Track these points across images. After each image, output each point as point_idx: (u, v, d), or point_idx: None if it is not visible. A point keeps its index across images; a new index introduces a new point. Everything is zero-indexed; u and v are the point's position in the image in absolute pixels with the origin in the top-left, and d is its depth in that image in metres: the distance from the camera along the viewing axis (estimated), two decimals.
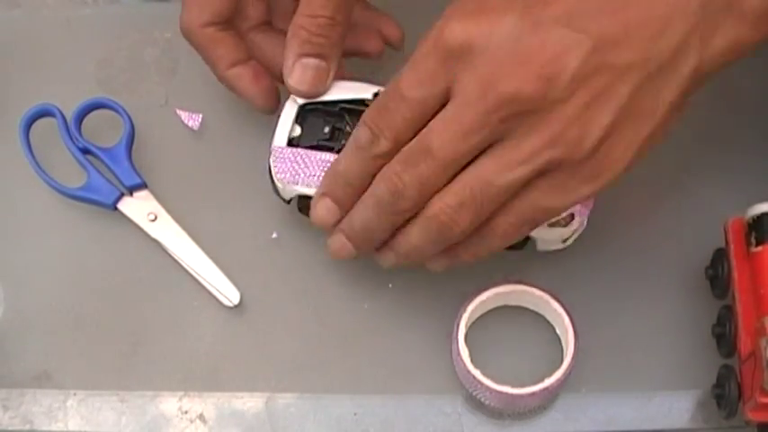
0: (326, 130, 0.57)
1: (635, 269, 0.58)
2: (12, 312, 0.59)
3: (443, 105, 0.46)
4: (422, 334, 0.57)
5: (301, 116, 0.57)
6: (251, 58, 0.58)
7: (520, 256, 0.57)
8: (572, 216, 0.54)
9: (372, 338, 0.57)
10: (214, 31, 0.56)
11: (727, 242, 0.54)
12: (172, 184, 0.61)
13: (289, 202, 0.57)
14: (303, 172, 0.55)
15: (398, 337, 0.57)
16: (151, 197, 0.61)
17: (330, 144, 0.56)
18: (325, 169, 0.54)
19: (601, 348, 0.56)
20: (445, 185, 0.47)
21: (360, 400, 0.56)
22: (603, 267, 0.58)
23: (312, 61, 0.54)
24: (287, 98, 0.57)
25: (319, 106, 0.57)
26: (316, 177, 0.55)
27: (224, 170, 0.62)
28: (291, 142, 0.57)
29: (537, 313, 0.57)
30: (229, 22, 0.57)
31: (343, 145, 0.56)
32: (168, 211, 0.60)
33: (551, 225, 0.54)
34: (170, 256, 0.59)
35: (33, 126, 0.61)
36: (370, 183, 0.50)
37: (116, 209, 0.60)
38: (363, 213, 0.50)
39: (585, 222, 0.56)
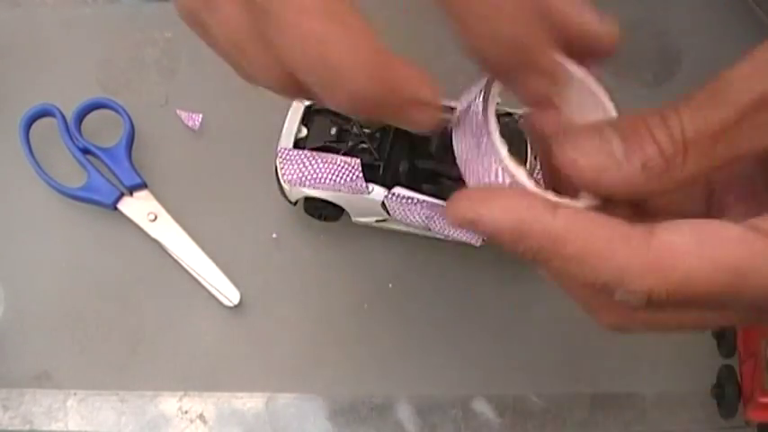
0: (333, 131, 0.57)
1: None
2: (12, 312, 0.59)
3: None
4: (422, 334, 0.57)
5: (308, 117, 0.57)
6: None
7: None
8: None
9: (372, 338, 0.57)
10: None
11: None
12: (172, 184, 0.61)
13: (295, 203, 0.57)
14: (310, 174, 0.55)
15: (398, 337, 0.57)
16: (151, 197, 0.61)
17: (337, 145, 0.56)
18: (332, 171, 0.54)
19: (601, 348, 0.56)
20: None
21: (360, 399, 0.56)
22: None
23: None
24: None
25: (326, 107, 0.57)
26: (323, 179, 0.55)
27: (224, 170, 0.62)
28: (298, 144, 0.57)
29: None
30: None
31: (350, 146, 0.56)
32: (168, 211, 0.60)
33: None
34: (170, 256, 0.59)
35: (33, 126, 0.61)
36: None
37: (116, 209, 0.60)
38: None
39: None
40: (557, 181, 0.36)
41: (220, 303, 0.58)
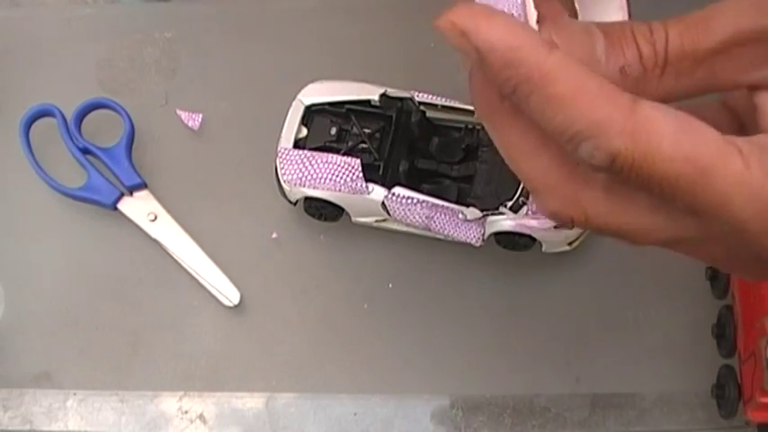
0: (333, 131, 0.57)
1: (635, 269, 0.58)
2: (12, 312, 0.59)
3: None
4: (422, 334, 0.57)
5: (308, 117, 0.57)
6: None
7: (524, 258, 0.57)
8: None
9: (372, 338, 0.57)
10: None
11: None
12: (172, 184, 0.61)
13: (295, 203, 0.57)
14: (310, 174, 0.55)
15: (398, 337, 0.57)
16: (151, 197, 0.61)
17: (337, 145, 0.57)
18: (332, 171, 0.54)
19: (601, 348, 0.56)
20: None
21: (360, 400, 0.56)
22: (604, 268, 0.58)
23: None
24: (293, 100, 0.57)
25: (326, 107, 0.57)
26: (323, 179, 0.55)
27: (224, 170, 0.62)
28: (298, 143, 0.57)
29: None
30: None
31: (350, 146, 0.56)
32: (168, 211, 0.60)
33: (557, 227, 0.54)
34: (170, 256, 0.59)
35: (33, 126, 0.61)
36: None
37: (116, 209, 0.60)
38: None
39: None
40: None
41: (220, 303, 0.58)
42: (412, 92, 0.57)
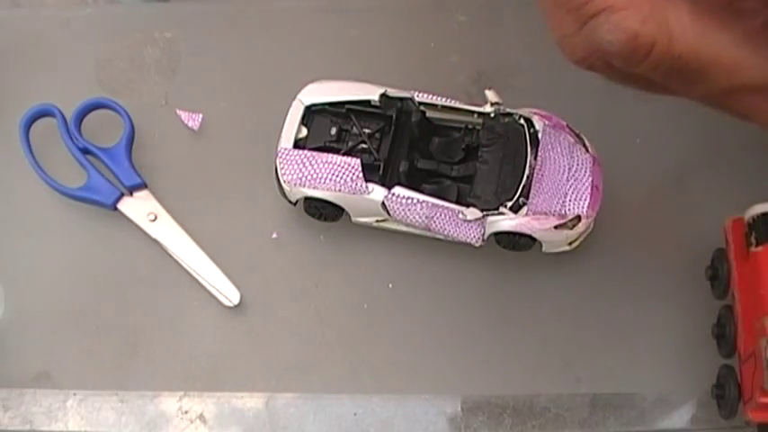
0: (333, 131, 0.57)
1: (635, 269, 0.58)
2: (12, 312, 0.59)
3: None
4: (422, 334, 0.57)
5: (308, 117, 0.57)
6: None
7: (525, 258, 0.57)
8: (579, 218, 0.54)
9: (372, 338, 0.57)
10: None
11: (726, 242, 0.54)
12: (172, 184, 0.61)
13: (295, 203, 0.58)
14: (310, 174, 0.55)
15: (398, 337, 0.57)
16: (151, 197, 0.61)
17: (337, 145, 0.57)
18: (332, 171, 0.55)
19: (601, 348, 0.56)
20: None
21: (360, 400, 0.56)
22: (604, 268, 0.58)
23: None
24: (293, 100, 0.57)
25: (326, 107, 0.57)
26: (323, 179, 0.55)
27: (224, 170, 0.62)
28: (298, 144, 0.57)
29: None
30: None
31: (350, 146, 0.56)
32: (168, 211, 0.60)
33: (558, 227, 0.54)
34: (170, 256, 0.59)
35: (33, 126, 0.61)
36: None
37: (116, 209, 0.60)
38: None
39: (592, 225, 0.56)
40: None
41: (220, 303, 0.58)
42: (412, 92, 0.57)
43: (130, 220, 0.60)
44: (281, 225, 0.60)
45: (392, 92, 0.57)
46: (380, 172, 0.55)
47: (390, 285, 0.59)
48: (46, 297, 0.59)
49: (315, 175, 0.55)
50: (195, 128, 0.63)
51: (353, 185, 0.55)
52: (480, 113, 0.56)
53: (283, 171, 0.56)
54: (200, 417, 0.56)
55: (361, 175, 0.55)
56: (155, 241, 0.60)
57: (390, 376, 0.57)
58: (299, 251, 0.60)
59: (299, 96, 0.58)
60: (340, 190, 0.55)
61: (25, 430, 0.56)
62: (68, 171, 0.61)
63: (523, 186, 0.54)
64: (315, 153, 0.56)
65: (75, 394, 0.57)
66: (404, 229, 0.57)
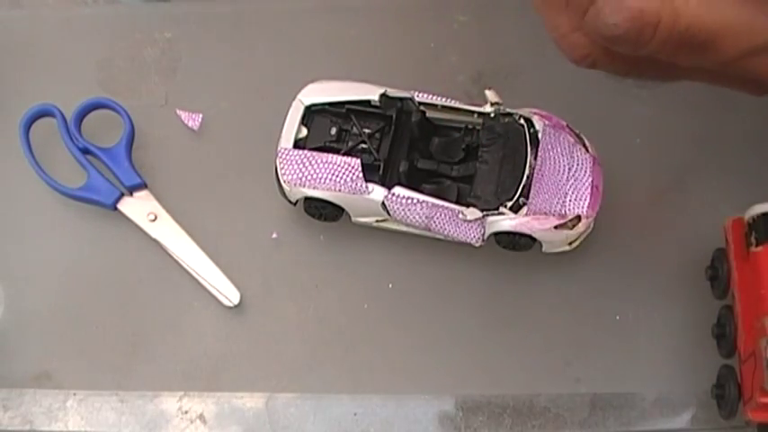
0: (333, 131, 0.57)
1: (635, 269, 0.58)
2: (12, 312, 0.59)
3: None
4: (422, 334, 0.57)
5: (308, 117, 0.57)
6: None
7: (525, 258, 0.57)
8: (579, 218, 0.54)
9: (372, 338, 0.57)
10: None
11: (727, 242, 0.54)
12: (172, 184, 0.61)
13: (295, 203, 0.57)
14: (310, 174, 0.55)
15: (398, 337, 0.57)
16: (151, 197, 0.61)
17: (337, 145, 0.57)
18: (332, 171, 0.55)
19: (601, 348, 0.56)
20: None
21: (360, 400, 0.56)
22: (604, 268, 0.58)
23: None
24: (293, 100, 0.57)
25: (326, 107, 0.57)
26: (323, 179, 0.55)
27: (224, 170, 0.62)
28: (298, 144, 0.57)
29: None
30: None
31: (350, 146, 0.56)
32: (168, 211, 0.60)
33: (558, 227, 0.54)
34: (170, 256, 0.59)
35: (33, 126, 0.61)
36: None
37: (116, 209, 0.60)
38: None
39: (592, 225, 0.56)
40: None
41: (220, 303, 0.58)
42: (412, 92, 0.57)
43: (130, 220, 0.60)
44: (281, 225, 0.60)
45: (392, 92, 0.57)
46: (380, 172, 0.56)
47: (390, 285, 0.59)
48: (46, 297, 0.59)
49: (315, 175, 0.55)
50: (195, 128, 0.63)
51: (353, 185, 0.55)
52: (480, 113, 0.57)
53: (283, 171, 0.56)
54: (200, 417, 0.56)
55: (361, 175, 0.55)
56: (155, 241, 0.60)
57: (390, 376, 0.57)
58: (299, 251, 0.60)
59: (299, 96, 0.58)
60: (340, 190, 0.55)
61: (25, 430, 0.56)
62: (68, 171, 0.61)
63: (523, 186, 0.54)
64: (315, 153, 0.56)
65: (75, 394, 0.57)
66: (404, 229, 0.57)
